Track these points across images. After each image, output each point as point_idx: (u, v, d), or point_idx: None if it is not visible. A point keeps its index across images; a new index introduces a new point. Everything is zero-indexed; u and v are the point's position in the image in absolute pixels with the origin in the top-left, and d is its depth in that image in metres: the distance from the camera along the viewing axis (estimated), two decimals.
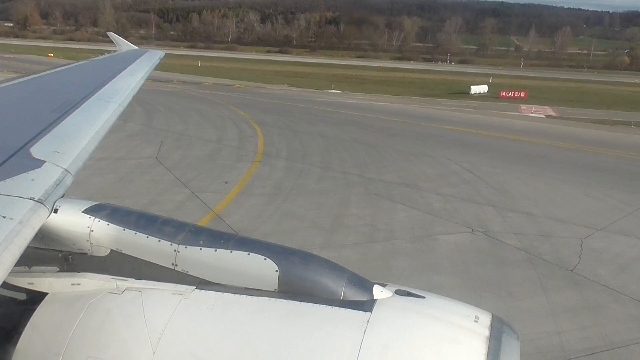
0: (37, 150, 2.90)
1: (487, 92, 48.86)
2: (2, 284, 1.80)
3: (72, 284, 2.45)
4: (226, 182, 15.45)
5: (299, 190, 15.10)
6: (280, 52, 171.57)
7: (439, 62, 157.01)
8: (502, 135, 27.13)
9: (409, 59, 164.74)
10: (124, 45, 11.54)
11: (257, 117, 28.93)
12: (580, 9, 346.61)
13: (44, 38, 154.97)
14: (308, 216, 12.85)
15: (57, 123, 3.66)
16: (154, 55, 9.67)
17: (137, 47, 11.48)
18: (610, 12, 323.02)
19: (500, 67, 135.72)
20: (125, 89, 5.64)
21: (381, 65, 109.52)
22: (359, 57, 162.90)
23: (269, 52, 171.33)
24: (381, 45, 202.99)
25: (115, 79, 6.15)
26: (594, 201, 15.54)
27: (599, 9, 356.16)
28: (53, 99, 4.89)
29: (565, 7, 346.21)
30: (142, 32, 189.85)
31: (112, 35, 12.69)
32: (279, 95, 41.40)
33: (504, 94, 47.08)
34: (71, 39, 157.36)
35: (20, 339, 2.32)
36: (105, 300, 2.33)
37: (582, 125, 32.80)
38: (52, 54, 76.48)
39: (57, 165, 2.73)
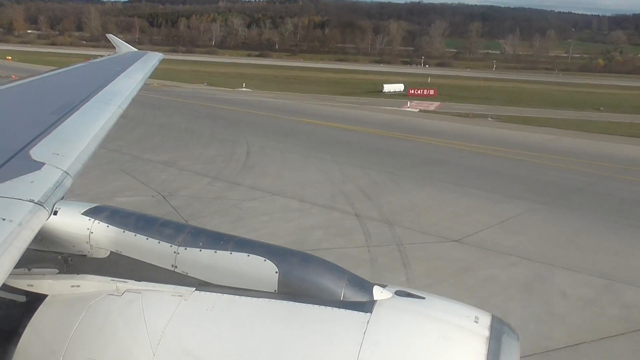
0: (36, 153, 2.90)
1: (403, 90, 50.95)
2: (2, 286, 1.79)
3: (72, 286, 2.45)
4: None
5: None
6: (260, 55, 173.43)
7: (414, 65, 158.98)
8: (343, 126, 29.25)
9: (388, 62, 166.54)
10: (123, 47, 11.46)
11: (127, 110, 31.08)
12: (571, 13, 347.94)
13: (26, 42, 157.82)
14: None
15: (57, 125, 3.67)
16: (153, 57, 9.66)
17: (136, 49, 11.44)
18: (600, 15, 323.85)
19: (468, 69, 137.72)
20: (125, 91, 5.65)
21: (332, 67, 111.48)
22: (339, 60, 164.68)
23: (249, 55, 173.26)
24: (363, 48, 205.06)
25: (114, 80, 6.17)
26: (325, 172, 17.95)
27: (589, 12, 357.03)
28: (52, 101, 4.93)
29: (556, 10, 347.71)
30: (128, 36, 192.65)
31: (112, 37, 12.64)
32: (182, 93, 42.65)
33: (412, 91, 49.12)
34: (53, 44, 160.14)
35: (20, 341, 2.33)
36: (105, 302, 2.33)
37: (442, 118, 34.86)
38: (9, 57, 79.11)
39: (57, 167, 2.72)
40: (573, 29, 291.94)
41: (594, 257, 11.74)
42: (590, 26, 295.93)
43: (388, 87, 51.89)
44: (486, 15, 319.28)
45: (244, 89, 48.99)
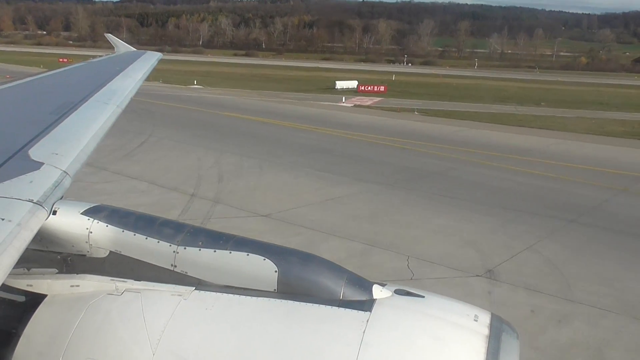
0: (35, 152, 2.91)
1: (356, 87, 52.13)
2: (1, 286, 1.80)
3: (71, 286, 2.45)
4: None
5: None
6: (246, 55, 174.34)
7: (398, 64, 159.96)
8: (261, 119, 30.46)
9: (373, 61, 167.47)
10: (121, 46, 11.47)
11: None
12: (562, 11, 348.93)
13: (12, 43, 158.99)
14: None
15: (56, 125, 3.67)
16: (152, 57, 9.62)
17: (134, 49, 11.40)
18: (590, 14, 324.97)
19: (448, 67, 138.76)
20: (123, 91, 5.64)
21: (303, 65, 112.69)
22: (324, 59, 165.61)
23: (235, 55, 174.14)
24: (350, 47, 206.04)
25: (113, 80, 6.17)
26: (201, 159, 19.32)
27: (580, 11, 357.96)
28: (51, 100, 4.90)
29: (547, 9, 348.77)
30: (116, 36, 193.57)
31: (110, 37, 12.62)
32: None
33: (362, 88, 50.44)
34: (39, 44, 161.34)
35: (19, 341, 2.34)
36: (104, 301, 2.34)
37: (368, 112, 36.11)
38: None
39: (56, 167, 2.73)
40: (563, 28, 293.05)
41: (377, 227, 13.02)
42: (580, 25, 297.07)
43: (341, 84, 53.10)
44: (477, 14, 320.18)
45: (196, 86, 50.20)
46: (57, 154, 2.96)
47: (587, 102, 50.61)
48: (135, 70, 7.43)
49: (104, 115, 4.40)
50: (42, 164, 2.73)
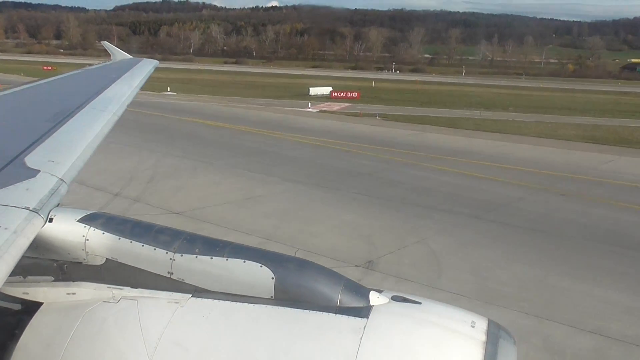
0: (31, 160, 2.90)
1: (329, 93, 52.80)
2: None
3: (68, 294, 2.46)
4: None
5: None
6: (236, 63, 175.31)
7: (385, 71, 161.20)
8: (220, 124, 31.10)
9: (362, 69, 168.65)
10: (118, 54, 11.49)
11: None
12: (553, 19, 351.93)
13: (2, 51, 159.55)
14: None
15: (52, 132, 3.67)
16: (149, 64, 9.64)
17: (131, 56, 11.46)
18: (580, 21, 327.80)
19: (434, 74, 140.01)
20: (120, 98, 5.65)
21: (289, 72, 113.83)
22: (314, 67, 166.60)
23: (225, 63, 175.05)
24: (341, 55, 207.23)
25: (109, 88, 6.17)
26: (142, 161, 19.94)
27: (571, 19, 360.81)
28: (47, 108, 4.91)
29: (539, 17, 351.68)
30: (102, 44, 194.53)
31: (107, 44, 12.69)
32: None
33: (335, 94, 51.15)
34: (29, 52, 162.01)
35: (15, 349, 2.34)
36: (101, 309, 2.34)
37: (330, 117, 36.73)
38: None
39: (52, 175, 2.73)
40: (554, 35, 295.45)
41: (282, 224, 13.61)
42: (570, 32, 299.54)
43: (314, 90, 53.79)
44: (468, 21, 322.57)
45: (168, 93, 50.81)
46: (53, 162, 2.97)
47: (555, 108, 51.43)
48: (131, 78, 7.51)
49: (100, 123, 4.41)
50: (38, 171, 2.74)
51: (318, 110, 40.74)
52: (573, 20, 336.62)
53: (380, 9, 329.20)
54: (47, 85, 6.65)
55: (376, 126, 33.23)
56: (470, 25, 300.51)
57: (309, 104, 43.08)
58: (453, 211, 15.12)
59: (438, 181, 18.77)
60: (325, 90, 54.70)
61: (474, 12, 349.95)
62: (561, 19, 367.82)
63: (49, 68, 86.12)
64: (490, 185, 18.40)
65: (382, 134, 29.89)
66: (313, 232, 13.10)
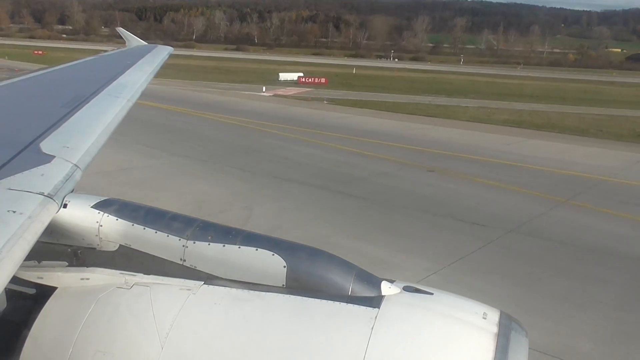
0: (46, 146, 2.94)
1: (297, 79, 53.74)
2: (12, 278, 1.83)
3: (81, 279, 2.48)
4: None
5: None
6: (237, 49, 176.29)
7: (384, 59, 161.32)
8: (162, 106, 32.18)
9: (362, 56, 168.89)
10: (133, 40, 11.57)
11: None
12: (562, 8, 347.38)
13: (6, 36, 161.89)
14: None
15: (67, 118, 3.69)
16: (163, 51, 9.66)
17: (145, 43, 11.53)
18: (590, 11, 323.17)
19: (429, 62, 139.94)
20: (134, 84, 5.70)
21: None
22: (315, 54, 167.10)
23: (226, 49, 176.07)
24: (343, 43, 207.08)
25: (124, 74, 6.20)
26: None
27: (580, 8, 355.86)
28: (62, 94, 4.91)
29: (548, 6, 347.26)
30: (107, 30, 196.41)
31: (121, 30, 12.78)
32: None
33: (303, 80, 52.14)
34: (32, 37, 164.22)
35: (29, 333, 2.37)
36: (113, 295, 2.37)
37: (278, 101, 37.75)
38: None
39: (67, 161, 2.78)
40: (562, 25, 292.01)
41: (132, 191, 14.76)
42: (579, 22, 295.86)
43: (284, 76, 54.84)
44: (476, 10, 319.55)
45: None
46: (68, 147, 3.01)
47: (520, 95, 52.03)
48: (146, 64, 7.51)
49: (115, 109, 4.46)
50: (53, 157, 2.78)
51: (272, 94, 41.78)
52: (583, 10, 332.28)
53: None
54: (62, 71, 6.72)
55: (315, 109, 34.22)
56: (478, 14, 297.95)
57: (264, 88, 44.12)
58: (307, 183, 16.15)
59: (321, 157, 19.77)
60: (295, 76, 55.66)
61: (482, 1, 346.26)
62: (571, 8, 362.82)
63: (40, 52, 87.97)
64: (368, 162, 19.37)
65: (313, 116, 30.88)
66: (154, 198, 14.19)
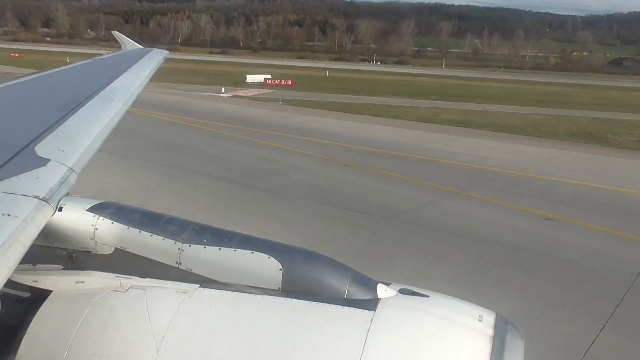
0: (41, 149, 2.93)
1: (264, 81, 54.53)
2: (7, 282, 1.81)
3: (77, 282, 2.47)
4: None
5: None
6: (221, 53, 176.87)
7: (366, 62, 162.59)
8: None
9: (346, 60, 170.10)
10: (128, 44, 11.59)
11: None
12: (548, 13, 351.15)
13: None
14: None
15: (62, 122, 3.68)
16: (159, 54, 9.67)
17: (141, 46, 11.59)
18: (575, 15, 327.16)
19: (410, 65, 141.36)
20: (130, 88, 5.68)
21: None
22: (299, 57, 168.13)
23: (210, 53, 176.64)
24: (327, 46, 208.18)
25: (119, 77, 6.18)
26: None
27: (566, 13, 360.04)
28: (58, 97, 4.91)
29: (534, 11, 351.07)
30: (93, 33, 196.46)
31: (117, 34, 12.77)
32: None
33: (269, 82, 52.95)
34: (15, 40, 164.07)
35: (24, 337, 2.36)
36: (109, 298, 2.36)
37: (235, 102, 38.61)
38: None
39: (62, 164, 2.77)
40: (548, 29, 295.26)
41: None
42: (564, 26, 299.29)
43: (251, 78, 55.64)
44: (463, 14, 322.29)
45: None
46: (63, 151, 3.00)
47: (479, 97, 53.09)
48: (141, 68, 7.51)
49: (110, 113, 4.45)
50: (48, 160, 2.77)
51: (231, 95, 42.53)
52: (568, 15, 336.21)
53: (375, 1, 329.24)
54: (57, 74, 6.73)
55: (267, 109, 35.07)
56: (465, 19, 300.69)
57: (223, 89, 44.85)
58: (219, 176, 16.87)
59: (246, 154, 20.50)
60: (261, 78, 56.44)
61: (468, 5, 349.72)
62: (557, 12, 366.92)
63: (17, 55, 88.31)
64: (290, 158, 20.08)
65: (261, 115, 31.75)
66: None
